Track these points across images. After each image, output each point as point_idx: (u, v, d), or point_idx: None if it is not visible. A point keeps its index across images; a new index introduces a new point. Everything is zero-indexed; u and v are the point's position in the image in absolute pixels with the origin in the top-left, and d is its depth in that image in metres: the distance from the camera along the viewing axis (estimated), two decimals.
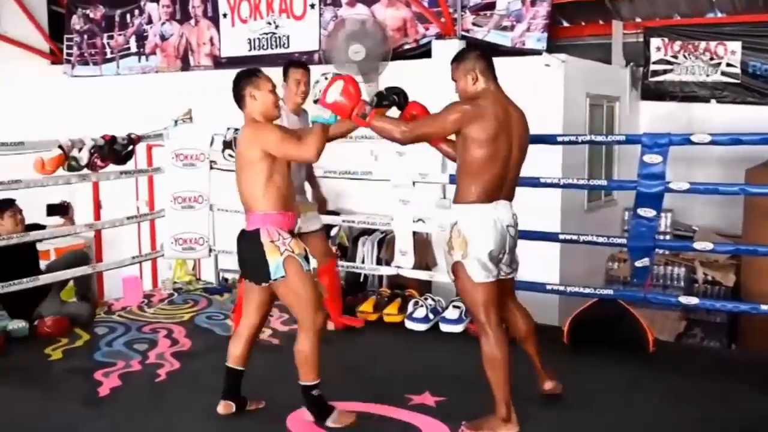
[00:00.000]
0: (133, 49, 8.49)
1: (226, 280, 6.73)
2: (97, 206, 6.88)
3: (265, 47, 7.31)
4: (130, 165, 5.60)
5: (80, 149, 5.04)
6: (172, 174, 5.63)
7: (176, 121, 5.74)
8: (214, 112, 6.42)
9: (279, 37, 7.21)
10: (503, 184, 3.23)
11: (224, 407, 3.49)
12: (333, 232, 6.27)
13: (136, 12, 8.40)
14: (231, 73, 7.41)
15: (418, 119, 3.40)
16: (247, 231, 3.34)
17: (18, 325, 4.73)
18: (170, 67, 8.09)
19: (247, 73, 3.44)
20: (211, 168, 5.71)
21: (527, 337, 3.56)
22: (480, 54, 3.33)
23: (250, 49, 7.38)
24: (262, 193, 3.28)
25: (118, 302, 5.60)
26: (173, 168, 5.62)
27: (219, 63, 7.73)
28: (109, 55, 8.69)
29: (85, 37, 8.84)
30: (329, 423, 3.35)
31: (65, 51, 8.97)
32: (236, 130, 5.45)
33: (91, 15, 8.77)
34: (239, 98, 3.38)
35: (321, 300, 3.39)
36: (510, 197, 3.30)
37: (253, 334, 3.53)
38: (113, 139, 5.19)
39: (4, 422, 3.51)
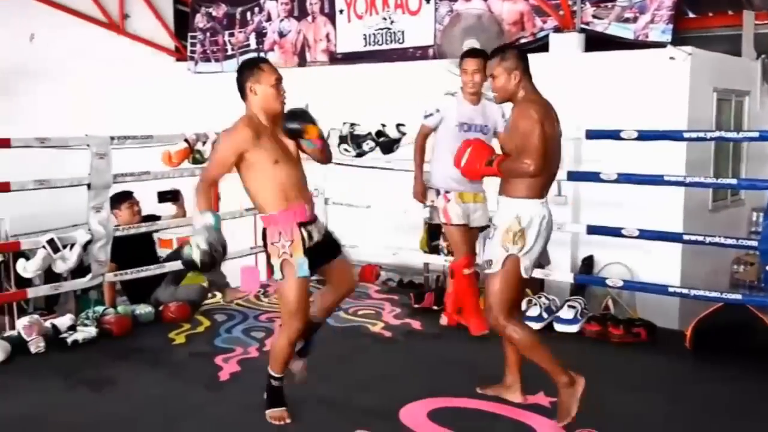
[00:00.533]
0: (253, 45, 8.74)
1: None
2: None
3: (379, 43, 7.37)
4: None
5: (204, 143, 5.24)
6: None
7: None
8: (330, 107, 6.54)
9: (394, 32, 7.25)
10: (551, 183, 3.34)
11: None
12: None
13: (256, 10, 8.64)
14: (347, 69, 7.59)
15: (522, 149, 3.19)
16: (264, 228, 3.34)
17: (145, 309, 4.98)
18: (287, 63, 8.28)
19: (249, 64, 3.33)
20: None
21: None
22: (521, 53, 3.35)
23: (365, 45, 7.46)
24: (255, 196, 3.27)
25: (236, 290, 5.78)
26: None
27: (335, 59, 7.86)
28: (229, 52, 8.99)
29: (208, 34, 9.18)
30: (266, 413, 3.42)
31: (189, 48, 9.34)
32: (352, 124, 5.54)
33: (214, 13, 9.09)
34: (241, 91, 3.29)
35: (304, 307, 3.29)
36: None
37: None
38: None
39: (136, 402, 3.70)
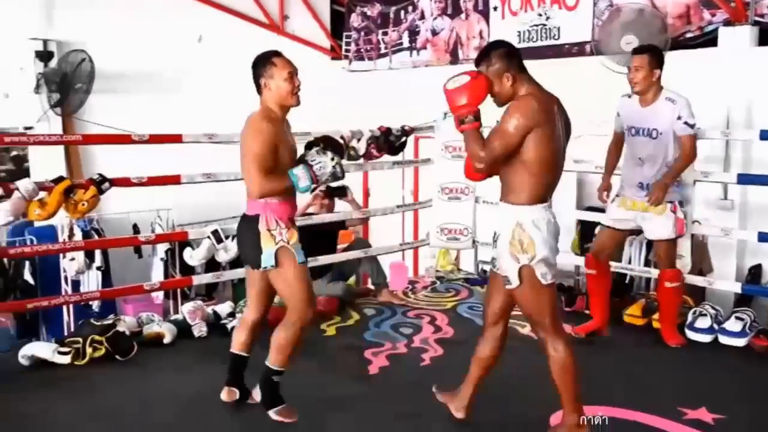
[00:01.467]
0: (406, 44, 8.82)
1: (485, 271, 6.78)
2: (366, 194, 7.27)
3: (534, 39, 7.22)
4: (400, 156, 5.84)
5: (359, 140, 5.34)
6: (440, 165, 5.77)
7: (446, 114, 5.87)
8: (482, 105, 6.52)
9: (549, 28, 7.08)
10: (554, 185, 3.02)
11: (228, 394, 3.51)
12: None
13: (410, 8, 8.72)
14: None
15: (488, 139, 2.94)
16: (247, 215, 3.30)
17: None
18: (440, 61, 8.30)
19: (262, 58, 3.32)
20: None
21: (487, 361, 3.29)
22: (508, 52, 2.99)
23: (519, 42, 7.32)
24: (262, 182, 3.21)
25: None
26: (442, 159, 5.76)
27: None
28: (383, 51, 9.12)
29: (362, 33, 9.36)
30: (271, 413, 3.35)
31: (344, 47, 9.56)
32: None
33: (369, 13, 9.26)
34: (256, 86, 3.30)
35: (312, 293, 3.31)
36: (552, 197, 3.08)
37: (257, 320, 3.51)
38: (389, 130, 5.44)
39: (290, 389, 3.82)
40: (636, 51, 4.37)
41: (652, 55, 4.25)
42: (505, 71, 2.95)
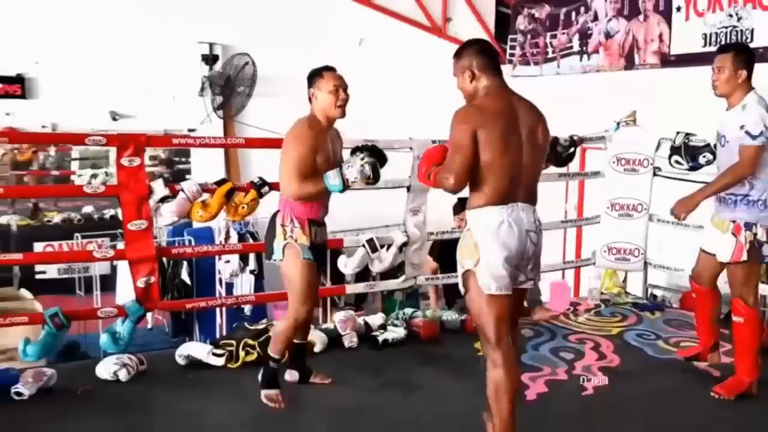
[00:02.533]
0: (576, 47, 8.64)
1: (654, 297, 6.50)
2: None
3: (722, 43, 6.84)
4: (565, 167, 5.72)
5: None
6: (611, 179, 5.60)
7: (619, 123, 5.70)
8: (660, 114, 6.27)
9: (741, 30, 6.69)
10: (518, 186, 3.05)
11: (289, 375, 4.05)
12: None
13: (582, 9, 8.53)
14: (682, 72, 7.17)
15: (446, 162, 3.09)
16: (276, 210, 3.78)
17: (452, 316, 5.15)
18: (612, 66, 8.05)
19: (312, 73, 3.75)
20: (655, 175, 5.55)
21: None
22: (478, 49, 3.17)
23: (705, 45, 6.98)
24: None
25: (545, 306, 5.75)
26: (613, 173, 5.59)
27: (667, 61, 7.47)
28: (550, 55, 8.98)
29: (528, 36, 9.26)
30: (261, 394, 3.80)
31: (508, 51, 9.50)
32: (687, 134, 5.23)
33: (536, 14, 9.15)
34: (308, 97, 3.75)
35: (311, 293, 3.69)
36: (529, 200, 3.10)
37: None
38: (555, 140, 5.33)
39: (440, 410, 3.83)
40: (720, 50, 4.12)
41: (737, 54, 3.93)
42: (467, 68, 3.14)
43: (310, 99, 3.76)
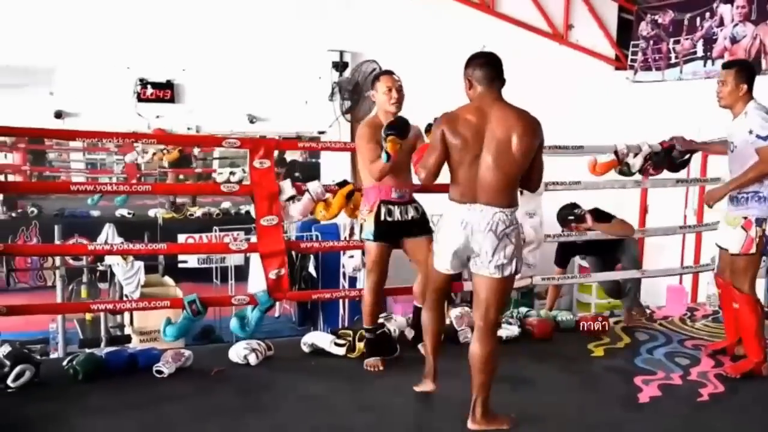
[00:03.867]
0: (699, 53, 8.26)
1: None
2: (644, 212, 6.92)
3: None
4: (684, 173, 5.48)
5: (635, 155, 5.10)
6: None
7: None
8: None
9: None
10: (478, 189, 3.27)
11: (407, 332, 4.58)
12: None
13: (707, 15, 8.15)
14: None
15: (423, 157, 3.49)
16: None
17: (566, 316, 5.05)
18: None
19: (374, 76, 4.28)
20: None
21: (470, 358, 3.45)
22: (481, 62, 3.36)
23: None
24: (361, 171, 4.22)
25: (661, 310, 5.55)
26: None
27: None
28: (673, 60, 8.63)
29: (651, 42, 8.93)
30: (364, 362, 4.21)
31: (630, 57, 9.20)
32: None
33: (659, 20, 8.81)
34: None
35: (374, 266, 4.18)
36: (492, 202, 3.26)
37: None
38: (671, 147, 5.11)
39: (549, 404, 3.75)
40: (725, 65, 4.40)
41: (740, 70, 4.21)
42: (467, 77, 3.39)
43: (372, 99, 4.29)
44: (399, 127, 3.90)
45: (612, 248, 5.32)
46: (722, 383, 4.07)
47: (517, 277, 5.03)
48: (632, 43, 9.18)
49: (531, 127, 3.31)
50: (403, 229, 4.18)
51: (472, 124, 3.29)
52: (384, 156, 3.87)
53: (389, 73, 4.20)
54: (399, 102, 4.14)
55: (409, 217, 4.19)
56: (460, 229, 3.31)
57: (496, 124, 3.27)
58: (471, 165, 3.28)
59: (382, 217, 4.13)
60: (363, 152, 4.10)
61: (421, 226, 4.21)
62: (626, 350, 4.66)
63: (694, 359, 4.47)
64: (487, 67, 3.36)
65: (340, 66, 8.26)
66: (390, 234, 4.15)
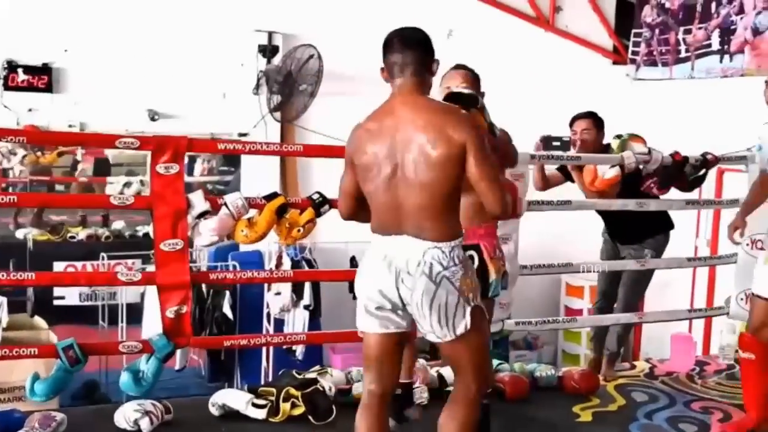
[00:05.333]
0: (715, 46, 8.47)
1: None
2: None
3: None
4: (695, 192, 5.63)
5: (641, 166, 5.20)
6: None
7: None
8: None
9: None
10: (400, 217, 3.11)
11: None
12: None
13: (724, 1, 8.38)
14: None
15: None
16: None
17: (547, 371, 5.11)
18: (762, 70, 7.87)
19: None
20: None
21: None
22: (388, 41, 3.25)
23: None
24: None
25: (663, 365, 5.65)
26: None
27: None
28: (683, 54, 8.83)
29: (657, 31, 9.13)
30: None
31: (630, 49, 9.39)
32: None
33: (667, 5, 9.02)
34: None
35: None
36: (424, 233, 3.07)
37: None
38: (685, 160, 5.23)
39: None
40: None
41: None
42: (381, 67, 3.28)
43: None
44: None
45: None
46: None
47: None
48: (634, 31, 9.37)
49: (451, 122, 3.09)
50: None
51: (377, 133, 3.15)
52: None
53: (462, 67, 4.25)
54: None
55: None
56: (385, 268, 3.12)
57: (409, 127, 3.10)
58: (387, 187, 3.13)
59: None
60: None
61: None
62: (620, 414, 4.74)
63: (702, 426, 4.57)
64: (394, 48, 3.21)
65: (268, 51, 8.24)
66: None
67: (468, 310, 3.11)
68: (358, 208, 3.33)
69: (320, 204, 4.64)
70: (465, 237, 3.51)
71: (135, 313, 7.52)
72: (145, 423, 4.15)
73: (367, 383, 3.30)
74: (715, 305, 6.27)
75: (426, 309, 3.08)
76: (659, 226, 5.43)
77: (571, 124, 5.37)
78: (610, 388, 5.12)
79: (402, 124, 3.12)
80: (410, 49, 3.20)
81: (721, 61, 8.43)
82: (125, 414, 4.20)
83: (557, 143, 5.17)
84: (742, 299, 5.53)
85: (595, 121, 5.32)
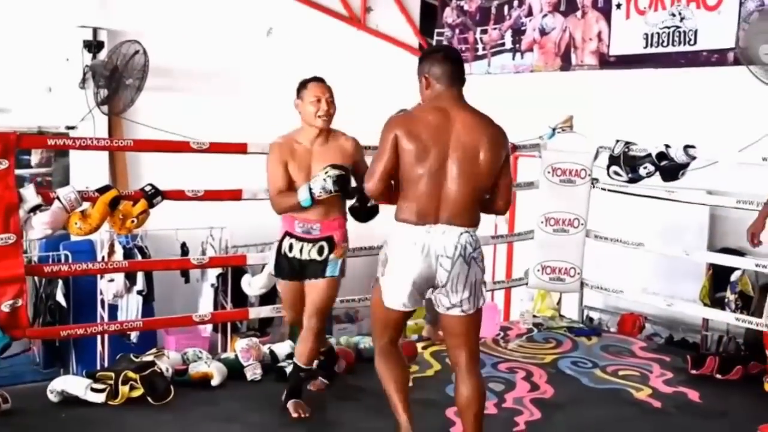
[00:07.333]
0: (508, 45, 8.79)
1: (591, 320, 6.66)
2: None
3: (664, 44, 7.08)
4: None
5: None
6: (545, 191, 5.71)
7: (554, 130, 5.83)
8: (599, 120, 6.43)
9: (684, 31, 6.94)
10: (440, 206, 3.29)
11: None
12: (734, 276, 5.86)
13: (515, 3, 8.68)
14: (621, 75, 7.40)
15: (369, 166, 3.50)
16: None
17: (370, 343, 5.13)
18: (548, 66, 8.23)
19: (300, 83, 4.19)
20: (593, 187, 5.68)
21: (467, 406, 3.53)
22: (441, 57, 3.47)
23: (646, 46, 7.21)
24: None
25: None
26: (547, 184, 5.70)
27: (606, 62, 7.68)
28: (480, 52, 9.11)
29: (457, 31, 9.37)
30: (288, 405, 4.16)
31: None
32: (627, 143, 5.38)
33: (466, 7, 9.27)
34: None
35: (287, 301, 4.37)
36: (456, 221, 3.30)
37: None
38: None
39: None
40: None
41: None
42: (423, 73, 3.45)
43: (298, 110, 4.22)
44: (347, 188, 4.02)
45: None
46: (539, 410, 4.34)
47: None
48: (437, 31, 9.58)
49: (501, 136, 3.41)
50: (302, 270, 4.20)
51: (433, 126, 3.30)
52: (304, 198, 3.98)
53: (319, 80, 4.21)
54: (328, 116, 4.14)
55: (309, 258, 4.17)
56: (420, 254, 3.30)
57: (462, 129, 3.31)
58: (433, 176, 3.29)
59: (283, 251, 4.21)
60: (268, 174, 4.15)
61: (320, 271, 4.18)
62: (436, 378, 4.84)
63: (509, 384, 4.74)
64: (448, 63, 3.43)
65: (93, 46, 7.87)
66: (291, 272, 4.23)
67: (485, 286, 3.48)
68: (389, 189, 3.41)
69: (152, 195, 4.51)
70: (321, 229, 4.11)
71: None
72: None
73: (385, 339, 3.57)
74: (514, 277, 6.49)
75: (461, 286, 3.33)
76: None
77: None
78: (427, 355, 5.22)
79: (459, 125, 3.31)
80: (459, 64, 3.47)
81: (513, 59, 8.76)
82: None
83: None
84: (538, 270, 5.78)
85: None
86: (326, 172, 3.96)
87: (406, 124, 3.33)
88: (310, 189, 3.95)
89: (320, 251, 4.14)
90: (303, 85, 4.20)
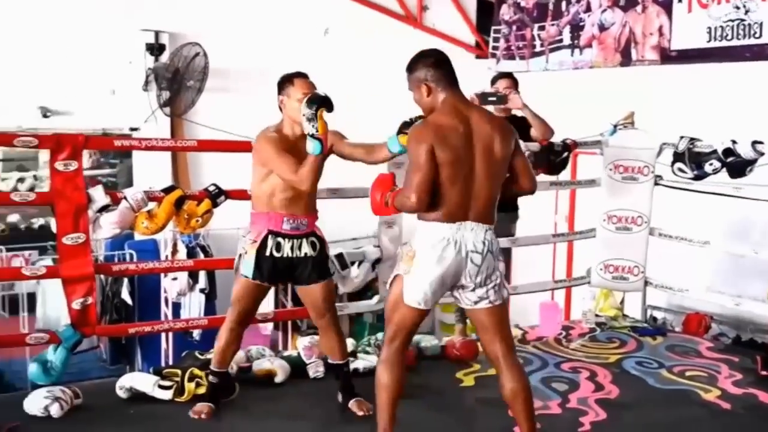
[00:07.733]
0: (566, 41, 8.68)
1: (655, 319, 6.54)
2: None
3: (729, 37, 6.92)
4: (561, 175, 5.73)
5: None
6: (607, 188, 5.63)
7: (615, 126, 5.74)
8: (661, 116, 6.32)
9: (749, 24, 6.78)
10: (470, 205, 3.34)
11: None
12: None
13: None
14: (684, 70, 7.26)
15: (406, 182, 3.40)
16: None
17: (431, 342, 5.14)
18: (608, 62, 8.10)
19: (282, 79, 4.01)
20: (656, 184, 5.59)
21: (513, 397, 3.50)
22: (433, 62, 3.43)
23: (710, 40, 7.06)
24: (252, 192, 4.10)
25: (533, 330, 5.76)
26: (609, 181, 5.62)
27: (668, 57, 7.53)
28: (538, 48, 9.01)
29: (514, 28, 9.29)
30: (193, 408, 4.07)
31: (491, 44, 9.52)
32: (692, 140, 5.28)
33: (523, 3, 9.18)
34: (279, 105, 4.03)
35: (243, 305, 4.08)
36: (482, 219, 3.36)
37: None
38: (551, 145, 5.33)
39: None
40: None
41: None
42: (422, 81, 3.43)
43: (280, 107, 4.03)
44: (324, 98, 3.76)
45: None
46: (604, 410, 4.28)
47: (375, 299, 5.16)
48: (493, 28, 9.50)
49: (507, 124, 3.49)
50: (292, 270, 4.07)
51: (459, 132, 3.33)
52: (314, 146, 3.72)
53: (304, 75, 4.05)
54: None
55: (302, 254, 4.04)
56: (452, 250, 3.33)
57: (477, 127, 3.36)
58: (465, 179, 3.33)
59: (268, 251, 3.99)
60: (276, 159, 3.88)
61: (315, 269, 4.08)
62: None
63: (572, 384, 4.68)
64: (442, 66, 3.43)
65: (155, 49, 8.00)
66: (275, 274, 4.04)
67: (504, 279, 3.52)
68: (429, 202, 3.36)
69: (216, 195, 4.56)
70: (308, 225, 4.06)
71: (36, 302, 7.21)
72: (55, 409, 3.99)
73: (396, 343, 3.50)
74: (575, 276, 6.41)
75: (488, 279, 3.40)
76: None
77: (493, 83, 5.53)
78: None
79: (474, 125, 3.36)
80: (449, 64, 3.46)
81: (572, 55, 8.64)
82: (35, 401, 4.02)
83: (493, 98, 5.15)
84: (600, 269, 5.70)
85: (513, 80, 5.53)
86: (302, 114, 3.74)
87: (437, 133, 3.32)
88: (309, 135, 3.73)
89: (313, 246, 4.05)
90: (288, 80, 4.01)
